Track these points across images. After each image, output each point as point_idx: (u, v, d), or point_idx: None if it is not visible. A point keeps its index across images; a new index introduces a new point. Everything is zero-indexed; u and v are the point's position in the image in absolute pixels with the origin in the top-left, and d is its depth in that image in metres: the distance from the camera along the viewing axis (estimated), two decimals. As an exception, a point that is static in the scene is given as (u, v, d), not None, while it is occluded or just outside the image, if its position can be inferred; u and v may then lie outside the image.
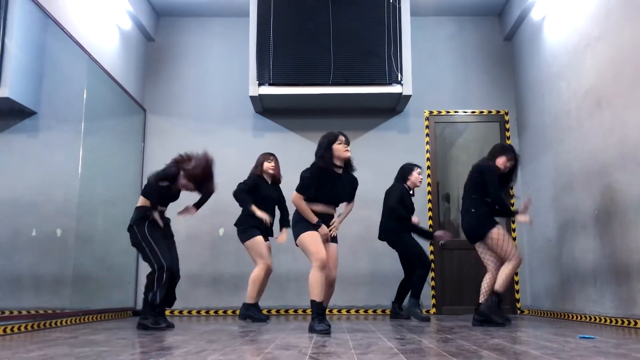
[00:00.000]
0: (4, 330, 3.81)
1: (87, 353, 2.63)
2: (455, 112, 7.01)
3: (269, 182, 5.38)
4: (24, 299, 4.52)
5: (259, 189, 5.26)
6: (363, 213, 6.23)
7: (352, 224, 6.41)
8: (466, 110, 7.01)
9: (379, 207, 5.67)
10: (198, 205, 4.69)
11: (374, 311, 6.47)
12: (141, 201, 4.40)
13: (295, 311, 6.53)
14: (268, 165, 5.34)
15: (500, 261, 4.64)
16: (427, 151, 6.87)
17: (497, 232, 4.57)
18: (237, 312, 6.48)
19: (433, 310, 6.53)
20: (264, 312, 6.17)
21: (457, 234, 6.83)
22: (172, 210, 4.58)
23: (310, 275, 3.85)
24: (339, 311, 6.48)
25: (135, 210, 4.37)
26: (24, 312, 4.34)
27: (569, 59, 5.50)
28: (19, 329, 3.99)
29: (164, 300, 4.25)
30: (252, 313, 5.17)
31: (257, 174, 5.35)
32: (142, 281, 4.54)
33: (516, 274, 6.52)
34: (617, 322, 4.55)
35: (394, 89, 6.39)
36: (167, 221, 4.52)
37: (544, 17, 6.11)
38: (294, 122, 6.97)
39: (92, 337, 3.54)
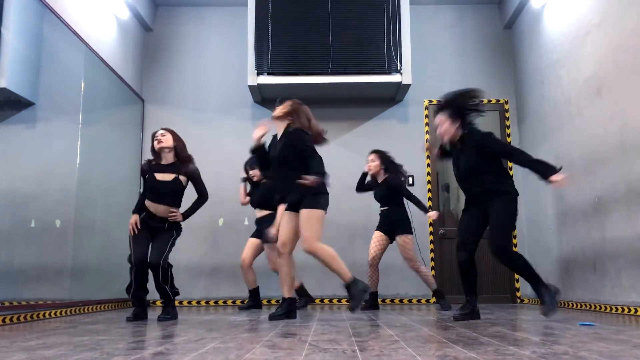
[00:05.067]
0: (3, 320, 3.80)
1: (86, 342, 2.62)
2: (455, 101, 6.97)
3: None
4: (23, 290, 4.52)
5: None
6: (363, 203, 6.21)
7: (353, 214, 6.42)
8: (466, 100, 6.97)
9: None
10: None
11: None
12: None
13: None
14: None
15: None
16: (427, 140, 6.84)
17: None
18: (237, 302, 6.47)
19: (432, 300, 6.53)
20: (264, 302, 6.18)
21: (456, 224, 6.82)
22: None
23: None
24: (339, 301, 6.48)
25: None
26: (24, 303, 4.33)
27: (569, 46, 5.46)
28: (18, 319, 3.99)
29: (137, 291, 4.17)
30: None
31: None
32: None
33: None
34: (617, 309, 4.55)
35: (393, 78, 6.36)
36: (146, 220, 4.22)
37: (544, 5, 6.07)
38: (293, 112, 6.93)
39: (92, 326, 3.54)
